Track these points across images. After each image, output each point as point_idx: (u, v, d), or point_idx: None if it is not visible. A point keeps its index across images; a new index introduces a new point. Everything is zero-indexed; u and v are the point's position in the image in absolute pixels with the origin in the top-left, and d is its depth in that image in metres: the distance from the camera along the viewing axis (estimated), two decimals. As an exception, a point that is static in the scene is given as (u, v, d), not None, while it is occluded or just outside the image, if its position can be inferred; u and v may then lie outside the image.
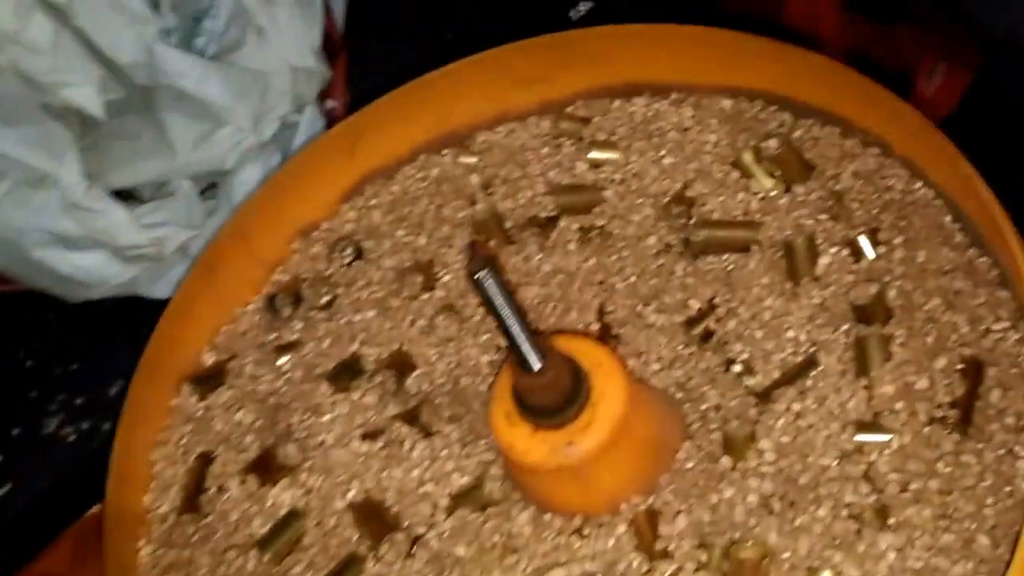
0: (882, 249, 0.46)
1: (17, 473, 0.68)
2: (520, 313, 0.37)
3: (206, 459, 0.52)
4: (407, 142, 0.60)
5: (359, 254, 0.57)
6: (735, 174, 0.52)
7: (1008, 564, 0.34)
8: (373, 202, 0.59)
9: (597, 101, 0.58)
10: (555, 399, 0.40)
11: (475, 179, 0.58)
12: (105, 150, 0.66)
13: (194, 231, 0.66)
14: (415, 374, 0.52)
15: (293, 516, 0.48)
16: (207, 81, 0.65)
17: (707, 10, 0.81)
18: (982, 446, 0.39)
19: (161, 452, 0.53)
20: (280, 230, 0.59)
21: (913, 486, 0.39)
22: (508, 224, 0.56)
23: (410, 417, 0.49)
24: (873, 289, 0.44)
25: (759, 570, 0.38)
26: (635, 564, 0.41)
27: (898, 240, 0.46)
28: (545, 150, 0.58)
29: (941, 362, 0.41)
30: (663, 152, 0.55)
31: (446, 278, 0.55)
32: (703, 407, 0.46)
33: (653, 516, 0.43)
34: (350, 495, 0.47)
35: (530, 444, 0.40)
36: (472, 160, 0.59)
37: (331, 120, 0.73)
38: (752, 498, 0.41)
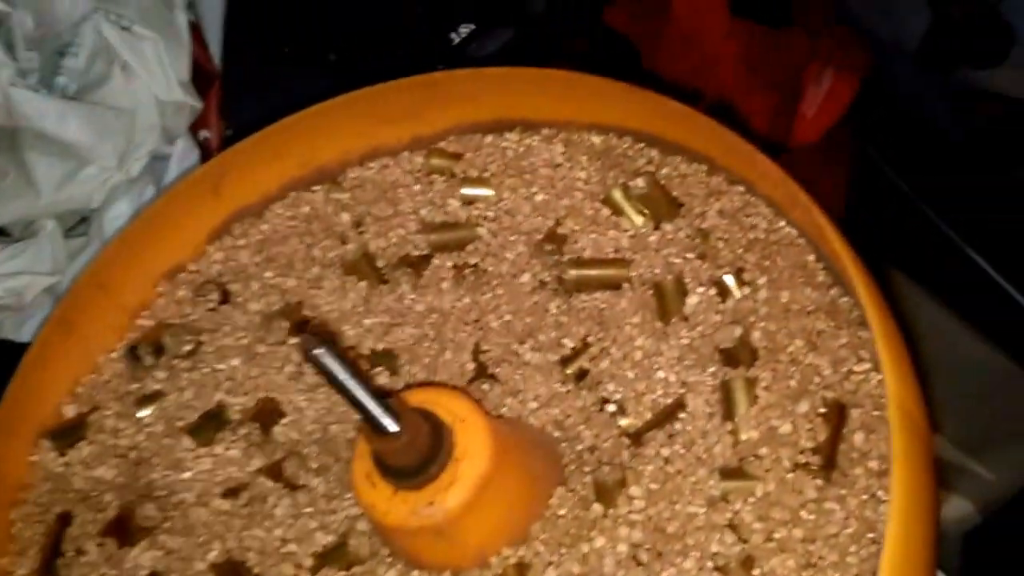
0: (747, 289, 0.46)
1: None
2: (364, 379, 0.35)
3: (65, 519, 0.49)
4: (276, 179, 0.58)
5: (225, 298, 0.55)
6: (605, 211, 0.52)
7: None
8: (241, 242, 0.58)
9: (469, 136, 0.57)
10: (414, 459, 0.38)
11: (346, 217, 0.57)
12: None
13: (56, 277, 0.64)
14: (283, 422, 0.50)
15: (154, 579, 0.46)
16: (66, 121, 0.63)
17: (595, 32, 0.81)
18: (845, 492, 0.39)
19: (20, 512, 0.50)
20: (144, 274, 0.57)
21: (777, 535, 0.38)
22: (380, 263, 0.55)
23: (275, 471, 0.48)
24: (738, 331, 0.44)
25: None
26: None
27: (762, 280, 0.46)
28: (417, 187, 0.57)
29: (804, 406, 0.41)
30: (535, 189, 0.54)
31: (315, 322, 0.53)
32: (579, 447, 0.45)
33: (523, 569, 0.42)
34: (211, 556, 0.46)
35: (390, 505, 0.39)
36: (343, 197, 0.58)
37: (206, 151, 0.72)
38: (622, 548, 0.40)
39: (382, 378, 0.50)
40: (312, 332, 0.35)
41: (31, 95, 0.63)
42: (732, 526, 0.39)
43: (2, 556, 0.49)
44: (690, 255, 0.48)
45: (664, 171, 0.52)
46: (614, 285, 0.49)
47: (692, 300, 0.47)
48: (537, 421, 0.47)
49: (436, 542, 0.40)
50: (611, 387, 0.47)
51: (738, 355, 0.44)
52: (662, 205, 0.50)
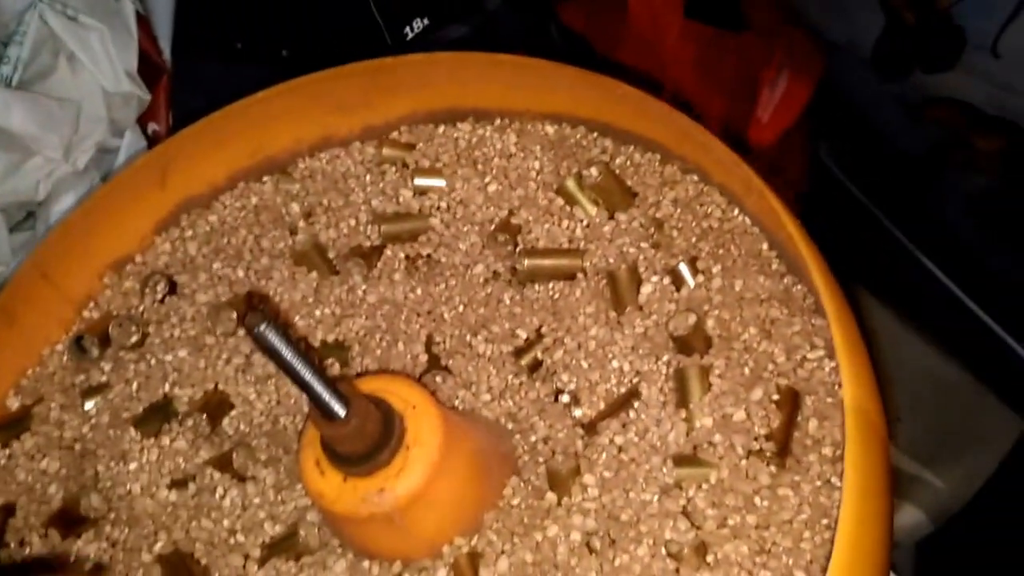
0: (701, 278, 0.46)
1: None
2: (312, 361, 0.34)
3: (8, 511, 0.48)
4: (224, 169, 0.57)
5: (172, 289, 0.54)
6: (559, 201, 0.51)
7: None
8: (189, 233, 0.56)
9: (421, 126, 0.57)
10: (363, 446, 0.38)
11: (296, 208, 0.56)
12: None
13: (0, 267, 0.63)
14: (232, 414, 0.49)
15: (97, 571, 0.45)
16: (10, 111, 0.61)
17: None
18: (799, 478, 0.39)
19: (-39, 505, 0.49)
20: (89, 264, 0.56)
21: (731, 521, 0.38)
22: (331, 254, 0.54)
23: (223, 462, 0.47)
24: (692, 319, 0.43)
25: (576, 615, 0.37)
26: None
27: (716, 268, 0.46)
28: (369, 177, 0.56)
29: (758, 393, 0.41)
30: (488, 179, 0.53)
31: (264, 309, 0.52)
32: (532, 439, 0.45)
33: (475, 558, 0.41)
34: (157, 547, 0.45)
35: (340, 493, 0.38)
36: (294, 187, 0.57)
37: (154, 144, 0.70)
38: (575, 536, 0.40)
39: (333, 370, 0.49)
40: (258, 310, 0.34)
41: (-29, 84, 0.61)
42: (686, 513, 0.39)
43: (-57, 549, 0.48)
44: (644, 244, 0.48)
45: (618, 161, 0.51)
46: (568, 275, 0.49)
47: (646, 289, 0.46)
48: (491, 413, 0.46)
49: (387, 531, 0.39)
50: (565, 377, 0.46)
51: (692, 343, 0.43)
52: (616, 195, 0.50)
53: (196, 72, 0.75)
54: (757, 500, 0.38)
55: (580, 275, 0.49)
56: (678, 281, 0.46)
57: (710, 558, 0.37)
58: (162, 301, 0.54)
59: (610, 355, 0.46)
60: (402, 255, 0.53)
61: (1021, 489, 0.72)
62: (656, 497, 0.40)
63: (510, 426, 0.46)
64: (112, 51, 0.66)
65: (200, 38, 0.78)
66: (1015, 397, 0.71)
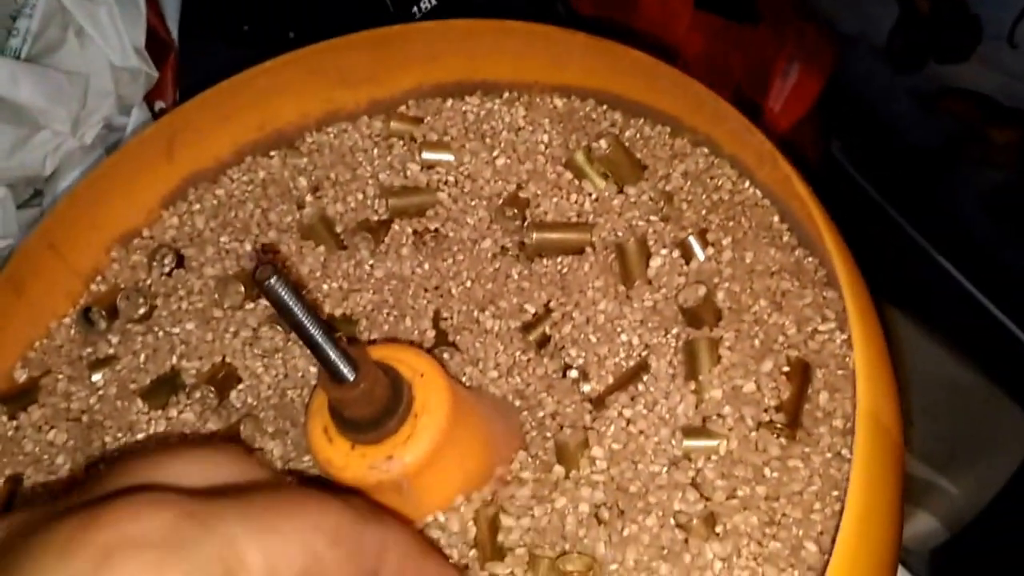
0: (711, 250, 0.45)
1: None
2: (321, 321, 0.34)
3: (15, 481, 0.48)
4: (231, 143, 0.57)
5: (180, 262, 0.54)
6: (568, 175, 0.51)
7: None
8: (196, 207, 0.56)
9: (429, 100, 0.56)
10: (371, 411, 0.37)
11: (303, 182, 0.55)
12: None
13: (8, 240, 0.62)
14: (239, 387, 0.49)
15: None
16: (18, 83, 0.61)
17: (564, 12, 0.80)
18: (809, 450, 0.38)
19: (-33, 476, 0.49)
20: (96, 237, 0.55)
21: (740, 493, 0.38)
22: (338, 228, 0.53)
23: (230, 434, 0.46)
24: (702, 291, 0.43)
25: (585, 583, 0.36)
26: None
27: (726, 241, 0.45)
28: (376, 151, 0.56)
29: (768, 365, 0.40)
30: (496, 153, 0.53)
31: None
32: (540, 414, 0.44)
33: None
34: (164, 519, 0.44)
35: (348, 460, 0.38)
36: (301, 162, 0.56)
37: (162, 122, 0.70)
38: (583, 508, 0.39)
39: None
40: (268, 262, 0.33)
41: (-20, 55, 0.61)
42: (695, 484, 0.38)
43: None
44: (654, 218, 0.47)
45: (628, 133, 0.51)
46: (577, 249, 0.48)
47: (656, 263, 0.46)
48: (498, 390, 0.46)
49: (395, 499, 0.39)
50: (573, 352, 0.46)
51: (702, 316, 0.43)
52: (625, 168, 0.49)
53: (203, 54, 0.75)
54: (767, 471, 0.38)
55: (589, 249, 0.48)
56: (688, 254, 0.45)
57: (719, 529, 0.37)
58: (169, 274, 0.53)
59: (619, 329, 0.45)
60: (409, 230, 0.52)
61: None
62: (665, 469, 0.39)
63: (517, 403, 0.45)
64: (121, 26, 0.65)
65: (207, 20, 0.77)
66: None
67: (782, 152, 0.42)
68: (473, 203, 0.52)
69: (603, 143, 0.49)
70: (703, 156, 0.49)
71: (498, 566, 0.38)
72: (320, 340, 0.34)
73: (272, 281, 0.32)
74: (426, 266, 0.51)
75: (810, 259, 0.44)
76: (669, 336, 0.43)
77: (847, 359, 0.40)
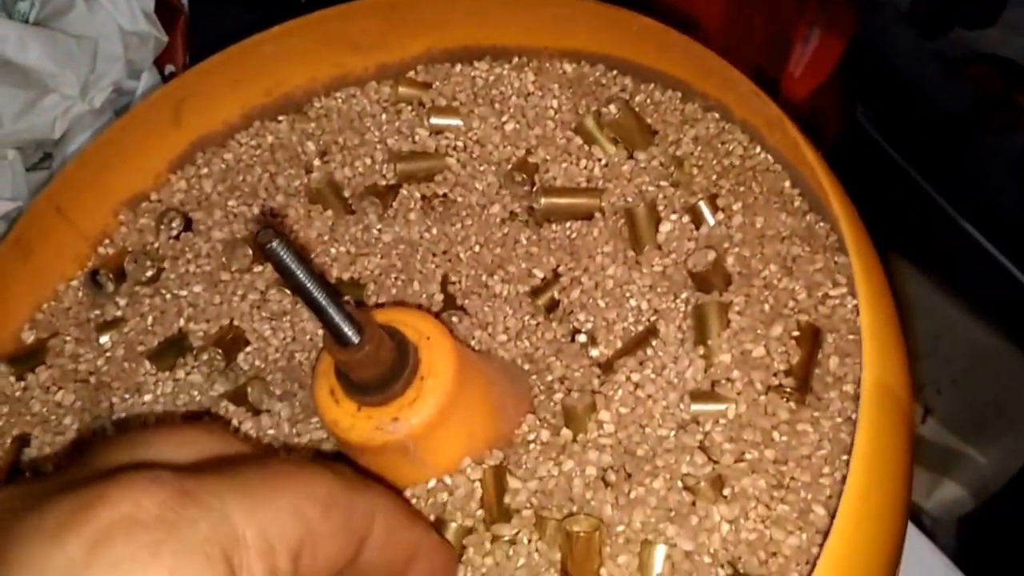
0: (721, 215, 0.44)
1: None
2: (325, 284, 0.33)
3: (23, 441, 0.47)
4: (239, 107, 0.56)
5: (187, 225, 0.53)
6: (578, 140, 0.50)
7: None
8: (204, 171, 0.55)
9: (438, 66, 0.55)
10: (377, 373, 0.37)
11: (312, 146, 0.55)
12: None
13: (17, 202, 0.62)
14: (247, 350, 0.48)
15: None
16: (27, 47, 0.61)
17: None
18: (819, 414, 0.38)
19: (-25, 436, 0.48)
20: (104, 200, 0.55)
21: (749, 456, 0.37)
22: (346, 193, 0.53)
23: (238, 396, 0.46)
24: (712, 256, 0.42)
25: (591, 544, 0.35)
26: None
27: (737, 206, 0.44)
28: (384, 116, 0.55)
29: (777, 329, 0.40)
30: (505, 118, 0.52)
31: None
32: (548, 378, 0.44)
33: (500, 473, 0.40)
34: (171, 480, 0.44)
35: (355, 421, 0.37)
36: (309, 127, 0.56)
37: (171, 88, 0.69)
38: (591, 471, 0.39)
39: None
40: (270, 226, 0.32)
41: (-9, 18, 0.60)
42: (703, 447, 0.38)
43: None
44: (664, 183, 0.47)
45: (638, 99, 0.50)
46: (586, 214, 0.48)
47: (665, 228, 0.45)
48: (507, 354, 0.45)
49: (401, 460, 0.38)
50: (582, 317, 0.45)
51: (711, 281, 0.42)
52: (635, 133, 0.48)
53: (213, 18, 0.74)
54: (776, 435, 0.37)
55: (598, 214, 0.47)
56: (698, 219, 0.45)
57: (727, 491, 0.36)
58: (177, 237, 0.53)
59: (628, 294, 0.45)
60: (418, 194, 0.52)
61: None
62: (673, 432, 0.39)
63: (526, 367, 0.45)
64: (129, -11, 0.65)
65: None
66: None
67: (791, 118, 0.41)
68: (482, 168, 0.51)
69: (613, 108, 0.49)
70: (714, 121, 0.48)
71: (504, 527, 0.38)
72: (323, 303, 0.34)
73: (274, 244, 0.32)
74: (434, 231, 0.50)
75: (821, 224, 0.43)
76: (678, 301, 0.43)
77: (858, 324, 0.39)
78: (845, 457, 0.36)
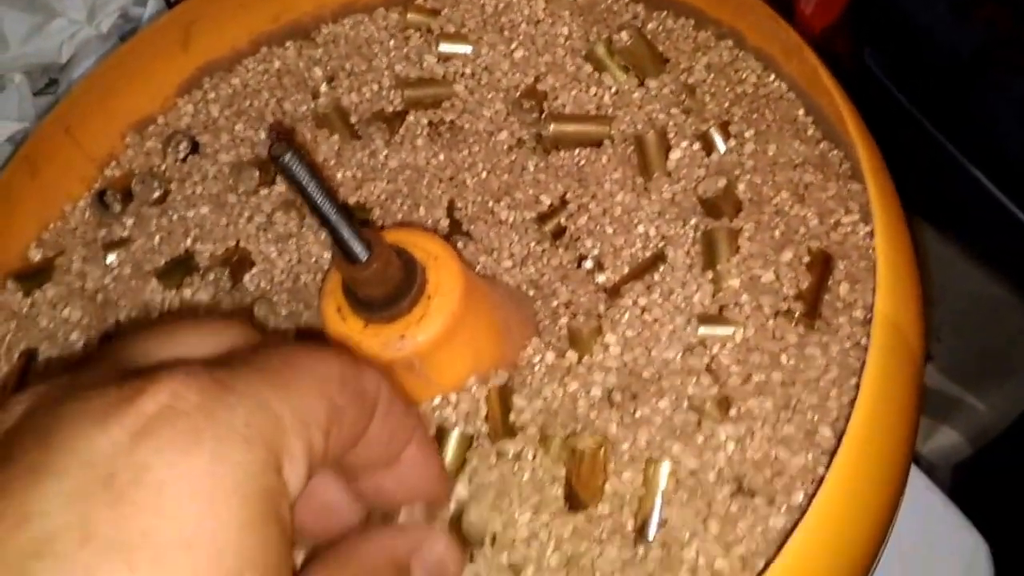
0: (733, 143, 0.43)
1: None
2: (336, 200, 0.32)
3: (30, 356, 0.47)
4: (246, 33, 0.55)
5: (194, 148, 0.52)
6: (588, 67, 0.49)
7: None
8: (212, 96, 0.54)
9: (448, -8, 0.54)
10: (384, 291, 0.36)
11: (319, 72, 0.53)
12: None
13: (23, 123, 0.60)
14: (253, 271, 0.47)
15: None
16: (34, -31, 0.59)
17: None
18: (828, 339, 0.37)
19: (-19, 350, 0.47)
20: (111, 124, 0.53)
21: (756, 378, 0.36)
22: (353, 119, 0.51)
23: (244, 315, 0.45)
24: (722, 182, 0.41)
25: (596, 460, 0.35)
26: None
27: (749, 133, 0.43)
28: (392, 43, 0.53)
29: (788, 255, 0.39)
30: (514, 45, 0.51)
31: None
32: (554, 304, 0.43)
33: (506, 392, 0.39)
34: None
35: (361, 337, 0.36)
36: (316, 52, 0.54)
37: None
38: (595, 391, 0.38)
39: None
40: (283, 139, 0.31)
41: (-3, -60, 0.59)
42: (709, 370, 0.37)
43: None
44: (675, 110, 0.45)
45: (650, 26, 0.49)
46: (595, 142, 0.47)
47: (675, 155, 0.44)
48: (512, 280, 0.45)
49: (407, 378, 0.37)
50: (589, 243, 0.44)
51: (721, 207, 0.41)
52: (647, 61, 0.47)
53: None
54: (783, 358, 0.36)
55: (607, 142, 0.46)
56: (708, 146, 0.44)
57: (733, 412, 0.36)
58: (184, 160, 0.52)
59: (636, 220, 0.44)
60: (425, 121, 0.50)
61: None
62: (679, 355, 0.38)
63: (531, 292, 0.44)
64: (137, -88, 0.63)
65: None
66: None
67: (808, 45, 0.40)
68: (490, 95, 0.50)
69: (624, 35, 0.47)
70: (727, 49, 0.47)
71: (509, 443, 0.37)
72: (334, 218, 0.33)
73: (287, 158, 0.31)
74: (441, 157, 0.49)
75: (835, 152, 0.42)
76: (687, 227, 0.42)
77: (870, 251, 0.38)
78: (853, 381, 0.35)
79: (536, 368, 0.40)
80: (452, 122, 0.50)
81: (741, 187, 0.42)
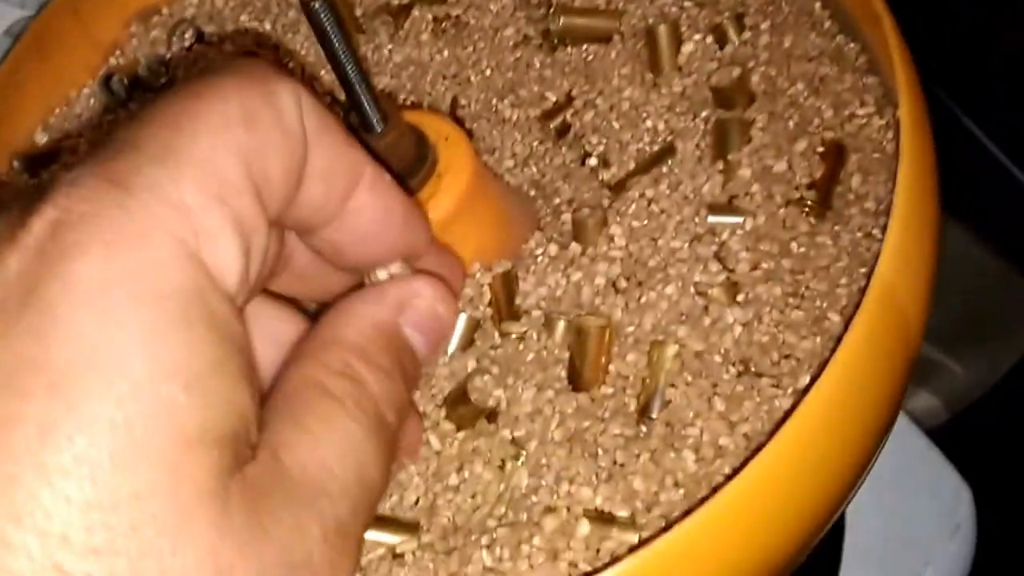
0: (747, 34, 0.41)
1: None
2: (360, 63, 0.31)
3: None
4: (253, -77, 0.52)
5: (200, 37, 0.50)
6: (598, -40, 0.47)
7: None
8: (217, -14, 0.52)
9: None
10: (396, 166, 0.34)
11: (324, -36, 0.51)
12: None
13: (27, 11, 0.58)
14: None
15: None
16: None
17: None
18: (839, 228, 0.35)
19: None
20: (117, 12, 0.52)
21: (765, 265, 0.34)
22: (358, 11, 0.49)
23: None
24: (736, 72, 0.39)
25: (601, 340, 0.33)
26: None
27: (764, 25, 0.41)
28: (397, -65, 0.51)
29: (801, 145, 0.37)
30: (522, -62, 0.49)
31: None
32: (556, 201, 0.41)
33: (509, 280, 0.38)
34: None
35: (370, 215, 0.35)
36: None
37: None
38: (600, 280, 0.37)
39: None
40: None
41: None
42: (718, 258, 0.35)
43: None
44: (688, 3, 0.43)
45: (663, -82, 0.46)
46: (604, 37, 0.45)
47: (687, 48, 0.42)
48: (514, 180, 0.43)
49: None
50: (594, 139, 0.42)
51: (733, 98, 0.39)
52: (659, -47, 0.45)
53: None
54: (793, 246, 0.35)
55: (616, 37, 0.44)
56: (722, 40, 0.42)
57: (740, 297, 0.34)
58: (189, 49, 0.50)
59: (644, 115, 0.42)
60: (430, 16, 0.48)
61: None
62: (687, 244, 0.36)
63: (533, 193, 0.42)
64: None
65: None
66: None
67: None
68: (496, -10, 0.48)
69: (639, -74, 0.45)
70: (743, -61, 0.45)
71: (514, 324, 0.36)
72: (355, 79, 0.32)
73: (317, 5, 0.29)
74: (445, 53, 0.47)
75: (852, 45, 0.40)
76: (698, 120, 0.40)
77: (883, 143, 0.37)
78: (863, 270, 0.34)
79: (539, 259, 0.39)
80: (458, 17, 0.48)
81: (755, 78, 0.40)
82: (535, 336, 0.35)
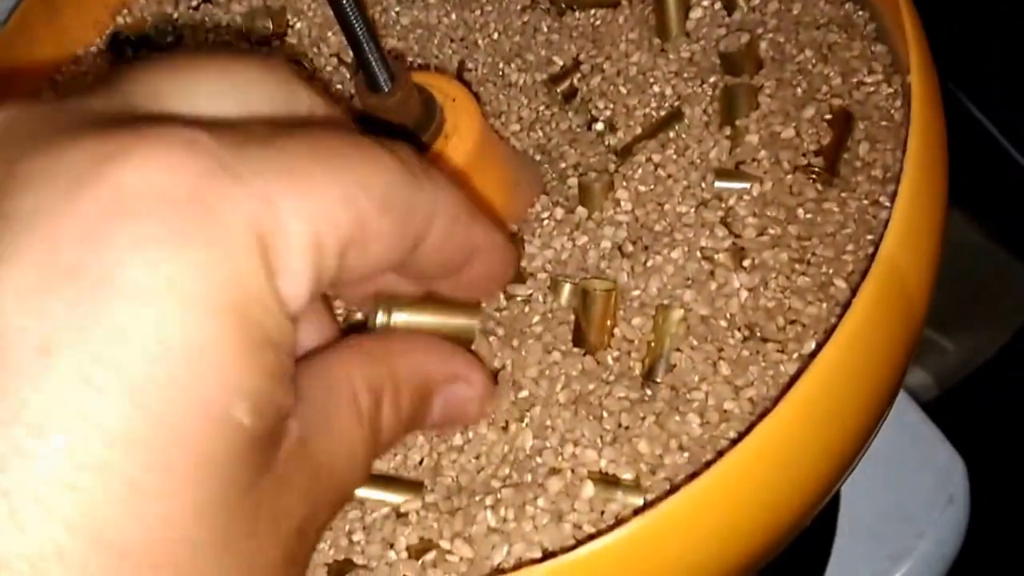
0: (756, 1, 0.40)
1: None
2: (369, 23, 0.30)
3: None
4: None
5: (207, -2, 0.49)
6: (609, -75, 0.45)
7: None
8: (225, -53, 0.51)
9: None
10: (403, 125, 0.34)
11: (333, -74, 0.50)
12: None
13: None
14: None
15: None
16: None
17: None
18: (846, 195, 0.34)
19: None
20: (126, -31, 0.50)
21: (771, 231, 0.34)
22: (367, -27, 0.48)
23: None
24: (744, 38, 0.38)
25: (607, 304, 0.33)
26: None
27: (774, -9, 0.40)
28: None
29: (809, 112, 0.36)
30: (533, -97, 0.47)
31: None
32: (562, 166, 0.40)
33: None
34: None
35: (375, 174, 0.34)
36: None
37: None
38: (605, 244, 0.36)
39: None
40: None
41: None
42: (724, 223, 0.35)
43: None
44: (696, -31, 0.42)
45: None
46: (612, 2, 0.44)
47: (696, 14, 0.41)
48: (519, 144, 0.42)
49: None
50: (601, 104, 0.41)
51: (742, 64, 0.38)
52: (670, -81, 0.44)
53: None
54: (800, 212, 0.34)
55: (625, 2, 0.43)
56: (730, 6, 0.41)
57: (747, 263, 0.33)
58: (196, 8, 0.49)
59: (651, 80, 0.41)
60: (439, -21, 0.47)
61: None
62: (693, 208, 0.35)
63: (538, 157, 0.41)
64: None
65: None
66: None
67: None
68: (507, -48, 0.47)
69: None
70: (755, -94, 0.43)
71: (519, 287, 0.35)
72: (364, 38, 0.31)
73: None
74: (453, 16, 0.46)
75: (860, 13, 0.39)
76: (705, 86, 0.39)
77: (891, 111, 0.36)
78: (870, 237, 0.33)
79: (545, 223, 0.38)
80: (466, -19, 0.47)
81: (763, 45, 0.39)
82: (541, 299, 0.34)
